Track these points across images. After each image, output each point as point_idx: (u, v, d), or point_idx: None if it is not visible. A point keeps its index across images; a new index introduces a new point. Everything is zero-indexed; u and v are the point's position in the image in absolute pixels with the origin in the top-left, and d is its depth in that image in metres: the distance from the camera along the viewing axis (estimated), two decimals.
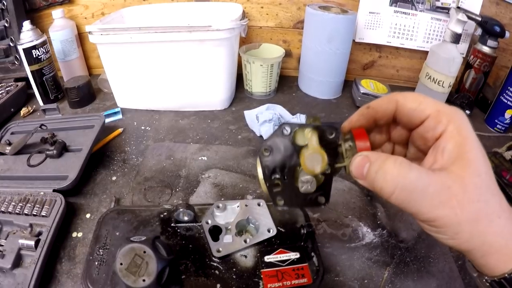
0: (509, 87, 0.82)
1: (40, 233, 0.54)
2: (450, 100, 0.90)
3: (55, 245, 0.54)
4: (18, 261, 0.50)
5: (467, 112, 0.91)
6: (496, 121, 0.87)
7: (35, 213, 0.56)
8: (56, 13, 0.91)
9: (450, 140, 0.29)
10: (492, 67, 0.91)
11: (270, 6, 0.97)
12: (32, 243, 0.51)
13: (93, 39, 0.77)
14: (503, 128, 0.87)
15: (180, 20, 0.94)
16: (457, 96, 0.94)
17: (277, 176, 0.33)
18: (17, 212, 0.56)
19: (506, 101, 0.84)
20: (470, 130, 0.29)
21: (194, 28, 0.73)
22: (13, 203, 0.57)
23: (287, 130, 0.32)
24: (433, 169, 0.29)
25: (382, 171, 0.29)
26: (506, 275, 0.28)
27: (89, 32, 0.76)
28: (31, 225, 0.54)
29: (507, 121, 0.86)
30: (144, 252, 0.38)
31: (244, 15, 0.87)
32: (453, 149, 0.29)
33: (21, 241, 0.51)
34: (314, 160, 0.31)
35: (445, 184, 0.28)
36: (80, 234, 0.57)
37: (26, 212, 0.56)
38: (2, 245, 0.52)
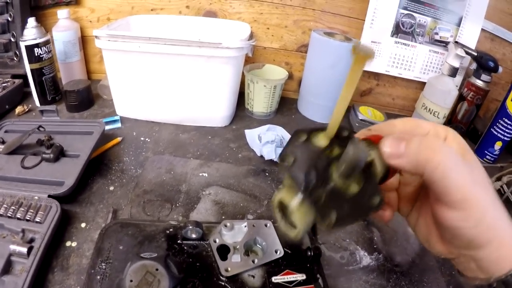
0: (499, 120, 0.86)
1: (32, 240, 0.51)
2: None
3: (48, 253, 0.51)
4: (7, 268, 0.48)
5: None
6: (486, 152, 0.91)
7: (28, 218, 0.53)
8: (62, 13, 0.90)
9: (453, 143, 0.32)
10: (484, 100, 0.95)
11: (276, 28, 0.99)
12: (24, 250, 0.48)
13: (100, 44, 0.76)
14: (492, 159, 0.90)
15: (187, 33, 0.94)
16: (450, 127, 0.97)
17: (313, 184, 0.28)
18: (9, 215, 0.53)
19: (496, 133, 0.87)
20: (465, 142, 0.32)
21: (204, 44, 0.74)
22: (5, 206, 0.55)
23: (303, 136, 0.31)
24: None
25: (426, 142, 0.29)
26: None
27: (96, 37, 0.75)
28: (23, 231, 0.52)
29: (496, 152, 0.89)
30: (157, 269, 0.38)
31: (252, 35, 0.88)
32: (458, 150, 0.31)
33: (13, 246, 0.48)
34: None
35: (471, 166, 0.30)
36: (74, 244, 0.55)
37: (19, 216, 0.53)
38: None
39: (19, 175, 0.63)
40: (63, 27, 0.91)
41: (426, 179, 0.29)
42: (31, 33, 0.81)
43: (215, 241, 0.47)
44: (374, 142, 0.31)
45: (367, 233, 0.63)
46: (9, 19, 0.88)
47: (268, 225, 0.50)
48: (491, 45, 0.97)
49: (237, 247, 0.46)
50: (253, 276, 0.44)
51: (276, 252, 0.46)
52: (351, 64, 0.29)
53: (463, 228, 0.30)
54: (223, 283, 0.43)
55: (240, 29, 0.89)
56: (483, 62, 0.91)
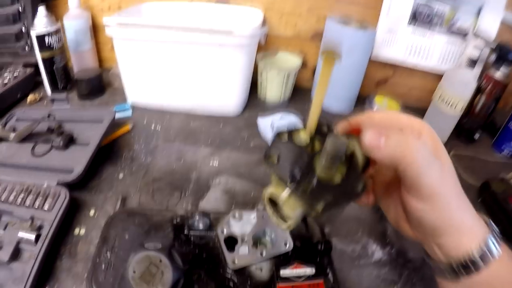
0: None
1: (41, 227, 0.52)
2: (460, 123, 0.91)
3: (56, 240, 0.52)
4: (16, 254, 0.48)
5: (476, 136, 0.91)
6: (503, 146, 0.88)
7: (37, 206, 0.54)
8: (72, 2, 0.89)
9: (428, 138, 0.34)
10: (503, 93, 0.91)
11: (290, 16, 0.96)
12: (32, 237, 0.49)
13: (110, 32, 0.76)
14: (510, 154, 0.88)
15: (199, 20, 0.93)
16: (467, 120, 0.94)
17: (298, 178, 0.31)
18: (18, 203, 0.54)
19: None
20: (438, 137, 0.35)
21: (216, 31, 0.72)
22: (14, 193, 0.55)
23: (285, 136, 0.34)
24: None
25: (404, 139, 0.31)
26: (477, 250, 0.32)
27: (106, 25, 0.75)
28: (32, 218, 0.52)
29: None
30: (160, 261, 0.37)
31: (264, 22, 0.86)
32: (431, 146, 0.34)
33: (21, 233, 0.49)
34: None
35: (441, 163, 0.33)
36: (82, 231, 0.55)
37: (28, 204, 0.54)
38: (0, 236, 0.50)
39: (29, 163, 0.64)
40: (74, 16, 0.91)
41: (400, 172, 0.32)
42: (41, 22, 0.81)
43: (222, 232, 0.46)
44: (354, 134, 0.34)
45: (380, 226, 0.62)
46: (20, 9, 0.89)
47: None
48: (510, 36, 0.93)
49: (245, 238, 0.45)
50: (261, 269, 0.43)
51: (285, 244, 0.45)
52: (321, 65, 0.32)
53: (428, 219, 0.33)
54: (229, 276, 0.42)
55: (252, 16, 0.87)
56: (503, 54, 0.87)
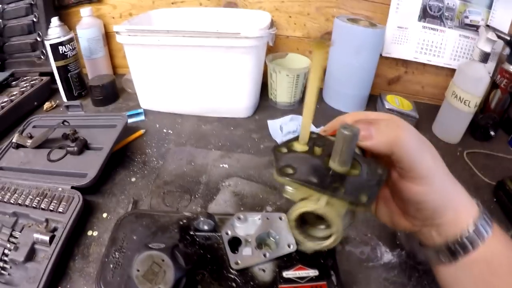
0: None
1: (55, 229, 0.54)
2: (475, 120, 0.88)
3: (70, 242, 0.54)
4: (31, 255, 0.51)
5: (492, 133, 0.88)
6: None
7: (51, 209, 0.56)
8: (85, 11, 0.93)
9: None
10: None
11: (299, 16, 0.96)
12: (47, 238, 0.51)
13: (120, 39, 0.78)
14: None
15: (208, 25, 0.94)
16: (482, 117, 0.91)
17: (329, 180, 0.32)
18: (34, 206, 0.57)
19: None
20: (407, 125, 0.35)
21: (223, 34, 0.73)
22: (31, 197, 0.58)
23: (283, 148, 0.35)
24: None
25: (392, 122, 0.33)
26: (472, 226, 0.34)
27: (117, 32, 0.77)
28: (47, 220, 0.55)
29: None
30: (163, 260, 0.38)
31: (272, 24, 0.86)
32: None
33: (36, 235, 0.51)
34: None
35: (430, 143, 0.35)
36: (95, 233, 0.57)
37: (43, 207, 0.56)
38: (17, 237, 0.52)
39: (45, 168, 0.66)
40: (86, 25, 0.94)
41: (394, 158, 0.33)
42: (55, 32, 0.84)
43: (227, 233, 0.46)
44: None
45: (390, 229, 0.60)
46: (34, 19, 0.93)
47: (283, 218, 0.49)
48: None
49: (249, 240, 0.45)
50: (264, 270, 0.43)
51: (289, 246, 0.45)
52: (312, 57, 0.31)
53: (428, 201, 0.34)
54: (232, 276, 0.42)
55: (260, 18, 0.88)
56: None
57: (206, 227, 0.47)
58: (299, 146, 0.34)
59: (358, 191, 0.31)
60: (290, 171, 0.32)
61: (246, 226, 0.47)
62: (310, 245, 0.35)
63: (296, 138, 0.35)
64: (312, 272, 0.44)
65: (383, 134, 0.32)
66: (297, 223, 0.34)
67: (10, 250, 0.50)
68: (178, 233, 0.47)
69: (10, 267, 0.50)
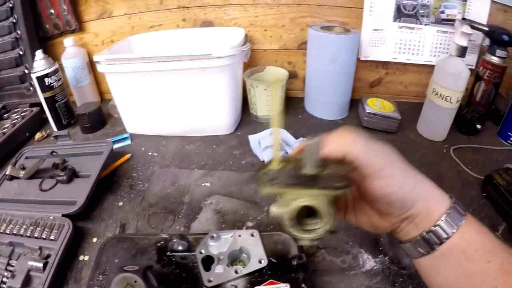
0: None
1: (48, 256, 0.56)
2: (460, 115, 0.88)
3: (63, 267, 0.56)
4: (27, 282, 0.53)
5: (478, 126, 0.88)
6: (509, 133, 0.85)
7: (44, 237, 0.59)
8: (68, 41, 0.96)
9: None
10: (503, 77, 0.88)
11: (274, 29, 0.98)
12: (40, 265, 0.54)
13: (101, 69, 0.80)
14: None
15: (185, 46, 0.96)
16: (467, 110, 0.91)
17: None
18: (28, 235, 0.59)
19: None
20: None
21: (195, 57, 0.75)
22: (25, 226, 0.61)
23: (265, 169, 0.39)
24: None
25: (342, 131, 0.36)
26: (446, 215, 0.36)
27: (97, 62, 0.79)
28: (40, 248, 0.57)
29: None
30: (135, 281, 0.40)
31: (246, 40, 0.88)
32: None
33: (31, 262, 0.54)
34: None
35: (377, 141, 0.37)
36: (86, 258, 0.59)
37: (36, 235, 0.59)
38: (13, 266, 0.55)
39: (38, 198, 0.69)
40: (70, 54, 0.97)
41: (349, 158, 0.35)
42: (40, 64, 0.87)
43: (201, 252, 0.48)
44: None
45: (373, 235, 0.60)
46: (21, 52, 0.95)
47: (255, 234, 0.51)
48: (504, 17, 0.90)
49: (221, 257, 0.47)
50: (236, 286, 0.45)
51: (259, 262, 0.47)
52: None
53: (393, 193, 0.36)
54: None
55: (235, 35, 0.89)
56: (497, 37, 0.85)
57: (180, 248, 0.49)
58: (275, 165, 0.39)
59: (331, 181, 0.37)
60: (274, 182, 0.37)
61: (219, 244, 0.49)
62: (309, 236, 0.38)
63: (270, 162, 0.40)
64: (284, 286, 0.45)
65: (334, 140, 0.36)
66: (291, 223, 0.38)
67: (7, 278, 0.53)
68: (156, 255, 0.49)
69: None
